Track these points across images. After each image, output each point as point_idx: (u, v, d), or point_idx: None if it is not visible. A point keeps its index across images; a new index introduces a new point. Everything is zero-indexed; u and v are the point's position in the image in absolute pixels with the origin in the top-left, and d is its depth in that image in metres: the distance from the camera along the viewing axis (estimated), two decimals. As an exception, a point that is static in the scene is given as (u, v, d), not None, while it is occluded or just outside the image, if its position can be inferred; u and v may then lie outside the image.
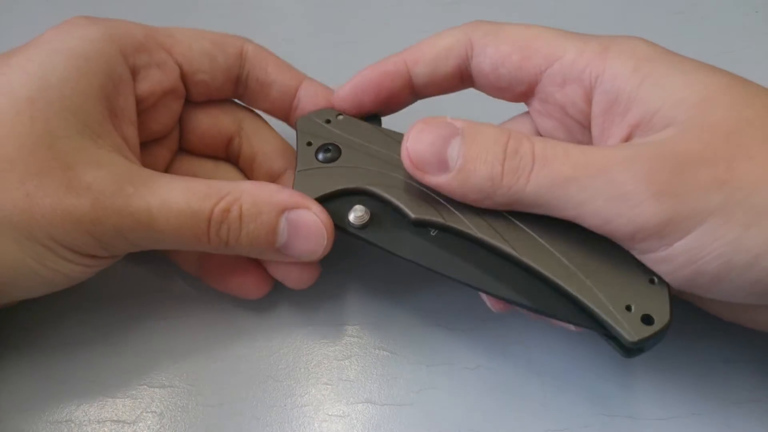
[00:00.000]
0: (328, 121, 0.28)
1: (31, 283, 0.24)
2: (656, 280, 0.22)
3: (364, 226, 0.25)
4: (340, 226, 0.25)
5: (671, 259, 0.21)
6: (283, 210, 0.24)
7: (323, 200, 0.25)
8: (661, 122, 0.22)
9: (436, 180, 0.23)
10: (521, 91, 0.26)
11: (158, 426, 0.26)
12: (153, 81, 0.26)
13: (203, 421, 0.27)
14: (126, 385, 0.27)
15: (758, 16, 0.40)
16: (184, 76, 0.27)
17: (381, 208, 0.25)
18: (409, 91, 0.27)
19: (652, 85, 0.22)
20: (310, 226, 0.24)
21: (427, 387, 0.27)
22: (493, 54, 0.26)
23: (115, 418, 0.26)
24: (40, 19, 0.40)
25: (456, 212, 0.24)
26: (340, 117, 0.28)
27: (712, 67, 0.23)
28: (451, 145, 0.22)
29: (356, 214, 0.25)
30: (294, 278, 0.27)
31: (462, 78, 0.27)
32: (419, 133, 0.23)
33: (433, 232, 0.24)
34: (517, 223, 0.24)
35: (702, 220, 0.20)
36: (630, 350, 0.22)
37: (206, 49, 0.28)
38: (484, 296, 0.25)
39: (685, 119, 0.21)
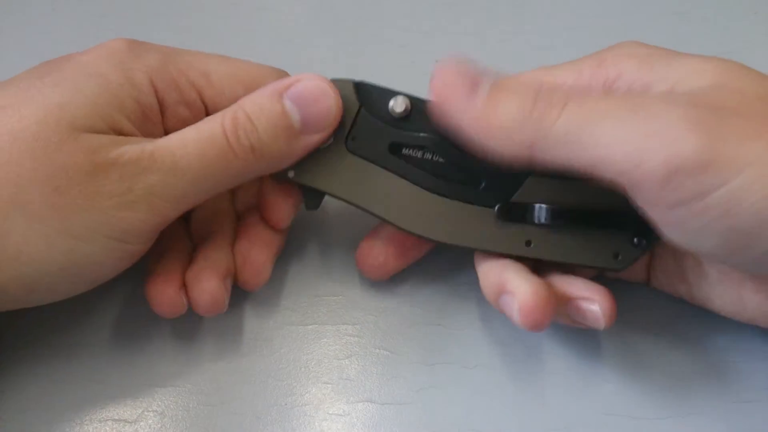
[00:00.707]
0: None
1: (57, 284, 0.24)
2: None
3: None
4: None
5: (705, 212, 0.20)
6: (280, 94, 0.25)
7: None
8: (683, 88, 0.22)
9: (461, 107, 0.22)
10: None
11: (159, 425, 0.26)
12: (180, 119, 0.26)
13: (204, 420, 0.27)
14: (127, 385, 0.27)
15: (757, 18, 0.40)
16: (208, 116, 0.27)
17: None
18: None
19: (666, 65, 0.22)
20: (311, 89, 0.25)
21: (427, 386, 0.28)
22: None
23: (117, 417, 0.27)
24: (41, 19, 0.40)
25: None
26: None
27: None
28: (484, 79, 0.22)
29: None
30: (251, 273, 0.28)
31: None
32: (451, 65, 0.23)
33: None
34: None
35: (740, 169, 0.19)
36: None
37: (237, 97, 0.27)
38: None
39: (712, 83, 0.21)
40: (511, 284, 0.24)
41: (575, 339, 0.28)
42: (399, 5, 0.41)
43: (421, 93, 0.28)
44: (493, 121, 0.22)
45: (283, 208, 0.27)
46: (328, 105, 0.25)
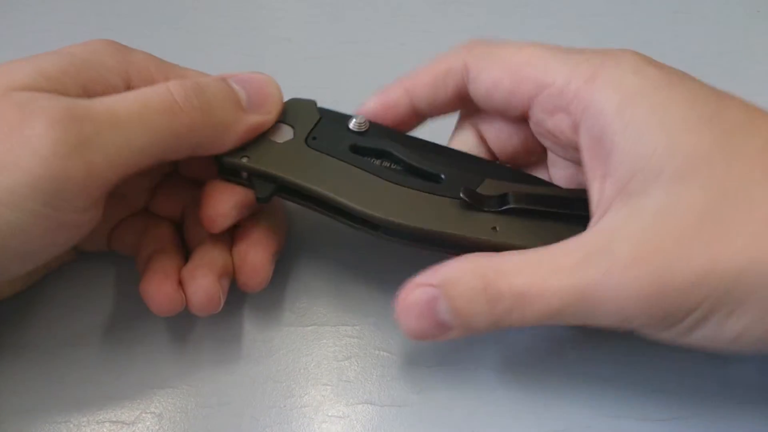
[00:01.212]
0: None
1: None
2: None
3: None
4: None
5: (683, 337, 0.22)
6: (225, 78, 0.26)
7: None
8: (638, 187, 0.21)
9: (449, 337, 0.24)
10: (516, 114, 0.26)
11: (157, 427, 0.26)
12: None
13: (202, 422, 0.26)
14: (125, 386, 0.27)
15: (760, 16, 0.40)
16: None
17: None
18: (415, 117, 0.28)
19: (635, 138, 0.22)
20: (254, 77, 0.26)
21: (426, 388, 0.27)
22: (486, 80, 0.26)
23: (114, 419, 0.26)
24: (38, 19, 0.40)
25: None
26: None
27: (702, 111, 0.22)
28: (439, 308, 0.23)
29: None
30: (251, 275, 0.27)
31: (462, 99, 0.27)
32: (405, 316, 0.24)
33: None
34: None
35: (693, 307, 0.21)
36: None
37: None
38: None
39: (661, 199, 0.21)
40: None
41: (575, 339, 0.28)
42: (399, 5, 0.41)
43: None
44: (476, 331, 0.23)
45: (222, 204, 0.26)
46: (272, 90, 0.26)
